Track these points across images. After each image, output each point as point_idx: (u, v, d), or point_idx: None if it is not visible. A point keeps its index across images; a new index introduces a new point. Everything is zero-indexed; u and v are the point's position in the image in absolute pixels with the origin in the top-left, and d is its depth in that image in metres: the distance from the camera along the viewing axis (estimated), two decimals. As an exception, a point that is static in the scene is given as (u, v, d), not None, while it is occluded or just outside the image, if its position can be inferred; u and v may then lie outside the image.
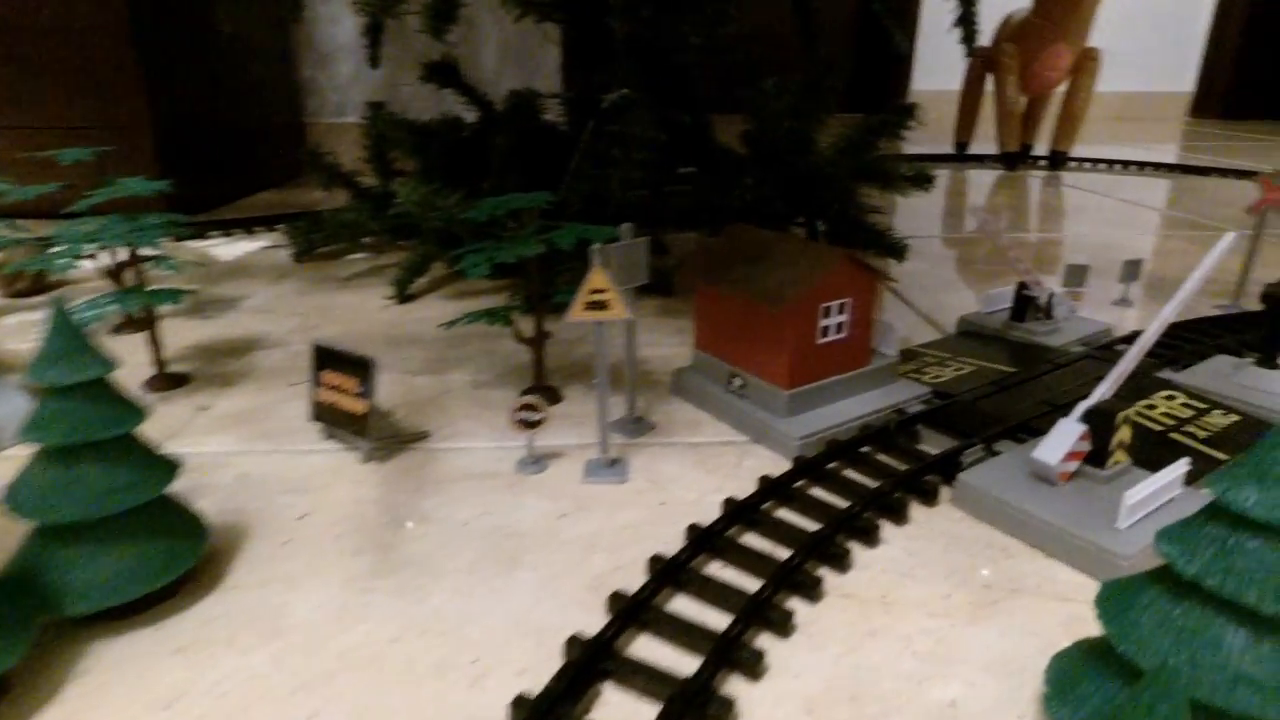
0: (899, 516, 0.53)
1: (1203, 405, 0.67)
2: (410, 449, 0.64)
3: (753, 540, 0.51)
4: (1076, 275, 0.84)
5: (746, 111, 0.99)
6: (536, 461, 0.61)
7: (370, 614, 0.45)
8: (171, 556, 0.44)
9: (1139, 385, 0.70)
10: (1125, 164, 2.14)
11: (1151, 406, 0.66)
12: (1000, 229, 0.71)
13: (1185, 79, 3.67)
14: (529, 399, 0.59)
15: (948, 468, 0.58)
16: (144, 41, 1.40)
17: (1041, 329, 0.82)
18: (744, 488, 0.58)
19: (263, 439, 0.66)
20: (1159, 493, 0.50)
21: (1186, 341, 0.81)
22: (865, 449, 0.61)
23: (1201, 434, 0.62)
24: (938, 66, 3.09)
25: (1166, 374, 0.73)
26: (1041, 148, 2.19)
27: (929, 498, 0.55)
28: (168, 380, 0.76)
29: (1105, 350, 0.79)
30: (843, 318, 0.64)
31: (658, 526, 0.53)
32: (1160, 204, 1.70)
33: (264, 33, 1.90)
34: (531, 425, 0.60)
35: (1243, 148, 2.57)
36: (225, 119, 1.71)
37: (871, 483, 0.57)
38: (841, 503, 0.54)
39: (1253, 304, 0.97)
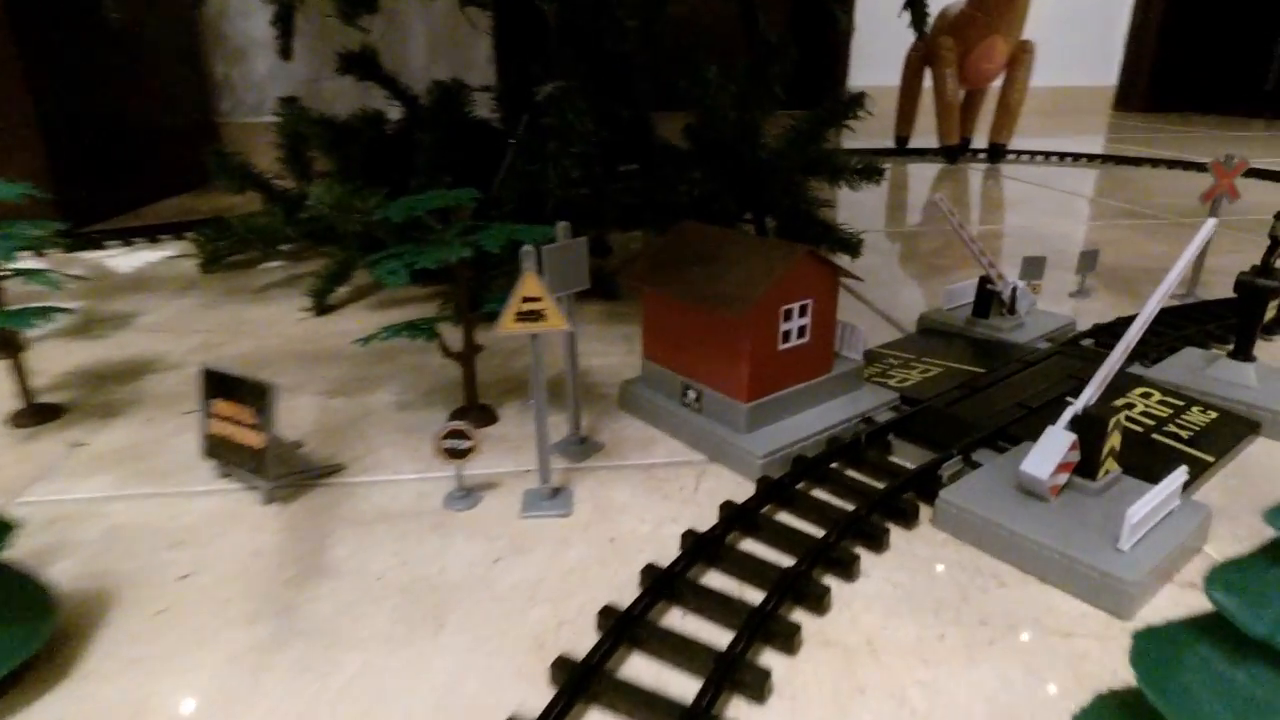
0: (878, 544, 0.48)
1: (1179, 402, 0.63)
2: (321, 485, 0.56)
3: (717, 581, 0.45)
4: (1034, 267, 0.81)
5: (689, 104, 0.93)
6: (467, 495, 0.54)
7: (261, 699, 0.37)
8: (3, 645, 0.36)
9: (1114, 384, 0.66)
10: (1060, 155, 2.17)
11: (1130, 406, 0.62)
12: (959, 218, 0.66)
13: (1109, 73, 3.78)
14: (456, 425, 0.52)
15: (926, 484, 0.52)
16: (22, 30, 1.26)
17: (1006, 325, 0.78)
18: (704, 516, 0.51)
19: (145, 480, 0.56)
20: (1159, 506, 0.45)
21: (1151, 335, 0.78)
22: (834, 465, 0.55)
23: (1184, 433, 0.59)
24: (874, 61, 3.11)
25: (1137, 369, 0.70)
26: (980, 140, 2.19)
27: (908, 520, 0.50)
28: (37, 413, 0.66)
29: (1072, 346, 0.76)
30: (804, 320, 0.58)
31: (608, 568, 0.46)
32: (1097, 194, 1.71)
33: (165, 26, 1.76)
34: (460, 455, 0.52)
35: (1165, 139, 2.64)
36: (125, 118, 1.57)
37: (844, 505, 0.51)
38: (814, 531, 0.48)
39: (1209, 293, 0.96)
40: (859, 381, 0.65)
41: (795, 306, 0.57)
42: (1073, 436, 0.48)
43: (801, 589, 0.42)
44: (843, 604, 0.43)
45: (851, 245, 0.95)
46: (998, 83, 2.12)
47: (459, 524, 0.51)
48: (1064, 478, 0.48)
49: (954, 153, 2.14)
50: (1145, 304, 0.51)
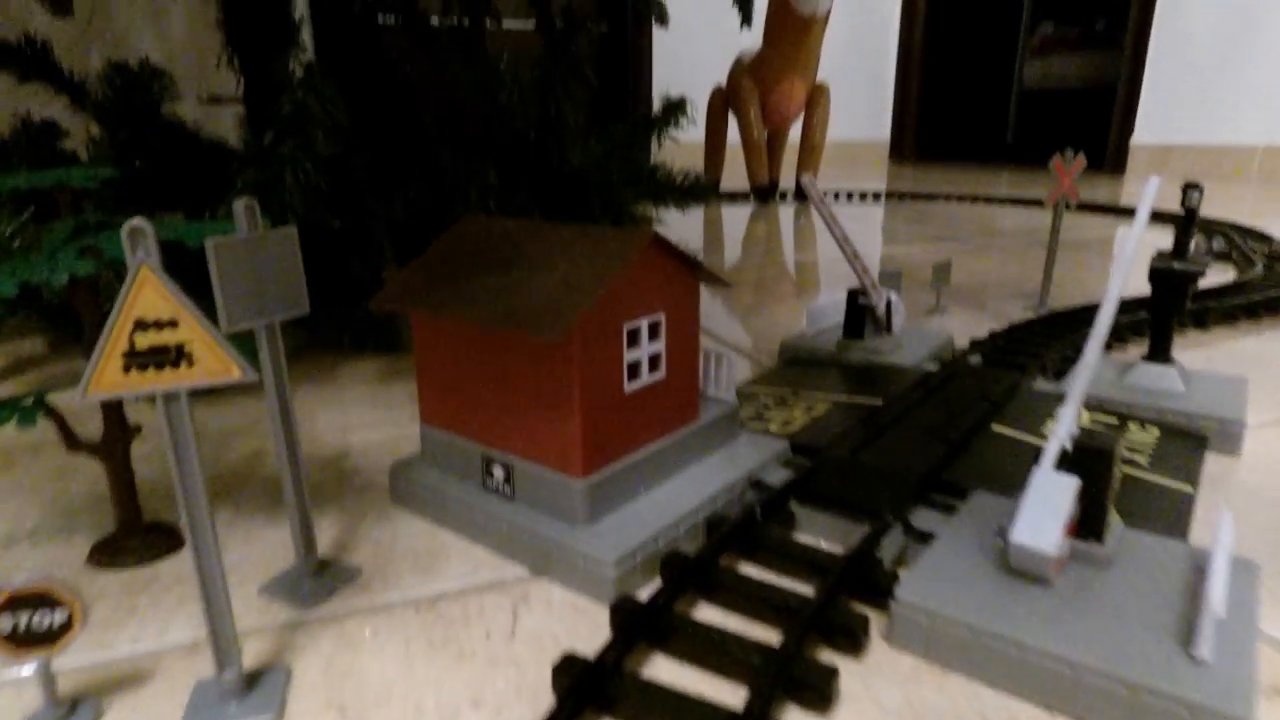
0: (819, 698, 0.28)
1: (1110, 419, 0.51)
2: None
3: (558, 841, 0.23)
4: (892, 281, 0.68)
5: (478, 97, 0.73)
6: (74, 710, 0.28)
7: None
8: None
9: (1031, 405, 0.53)
10: (863, 195, 2.22)
11: (1064, 429, 0.49)
12: (823, 195, 0.51)
13: (883, 128, 4.10)
14: (33, 586, 0.27)
15: (866, 578, 0.34)
16: None
17: (886, 346, 0.64)
18: (529, 688, 0.30)
19: None
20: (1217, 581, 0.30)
21: (1033, 347, 0.68)
22: (725, 562, 0.36)
23: (1139, 458, 0.46)
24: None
25: (1042, 386, 0.58)
26: (787, 181, 2.20)
27: (855, 644, 0.31)
28: None
29: (960, 363, 0.63)
30: (657, 346, 0.39)
31: None
32: (906, 224, 1.72)
33: None
34: (42, 640, 0.27)
35: (936, 180, 2.84)
36: None
37: (753, 629, 0.32)
38: (712, 689, 0.28)
39: (1060, 304, 0.90)
40: (735, 429, 0.46)
41: (643, 325, 0.38)
42: (1074, 482, 0.32)
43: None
44: (795, 846, 0.23)
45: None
46: (797, 125, 2.14)
47: (33, 787, 0.25)
48: (1067, 545, 0.32)
49: (765, 193, 2.12)
50: (1108, 290, 0.37)
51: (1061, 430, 0.34)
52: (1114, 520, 0.34)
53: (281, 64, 0.76)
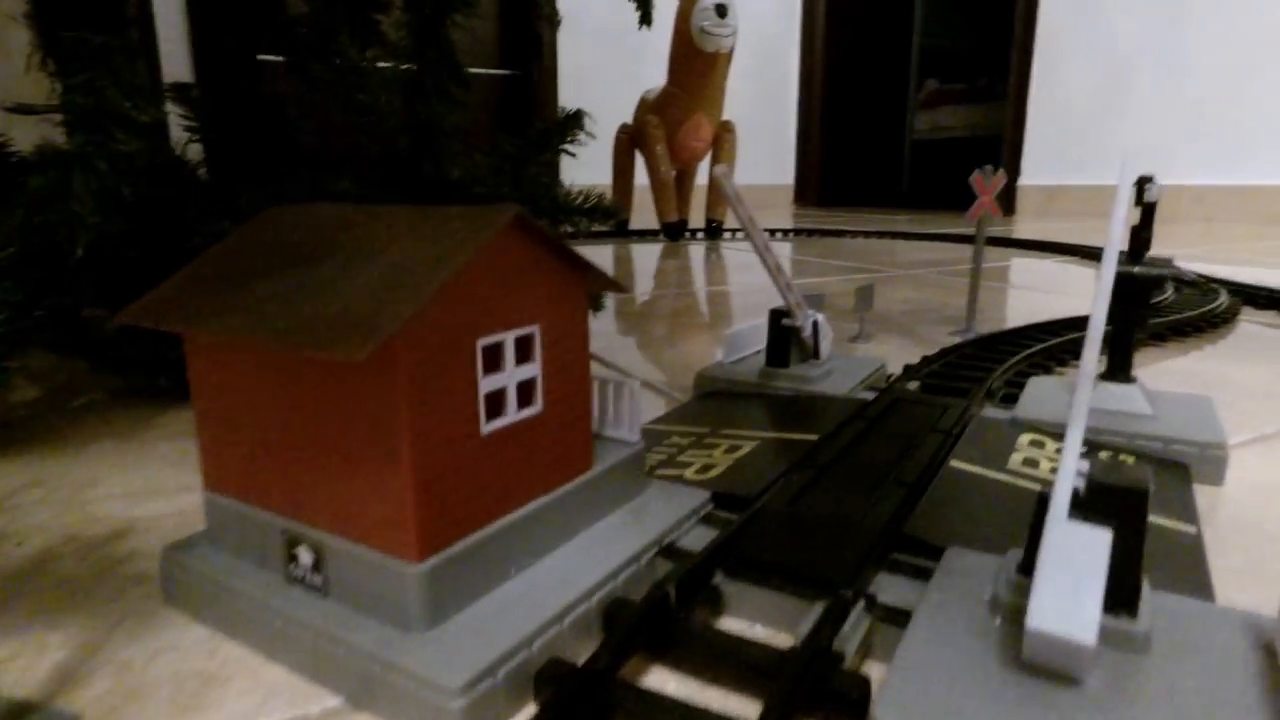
0: None
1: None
2: None
3: None
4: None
5: (332, 93, 0.62)
6: None
7: None
8: None
9: (989, 435, 0.45)
10: (773, 231, 2.20)
11: (1032, 463, 0.41)
12: (737, 190, 0.42)
13: (787, 174, 4.19)
14: None
15: (825, 683, 0.24)
16: None
17: (815, 373, 0.55)
18: None
19: None
20: None
21: (968, 371, 0.61)
22: (627, 672, 0.26)
23: (1124, 495, 0.38)
24: (583, 159, 3.07)
25: (992, 413, 0.51)
26: (696, 220, 2.16)
27: (821, 794, 0.21)
28: None
29: (897, 391, 0.55)
30: (530, 370, 0.29)
31: None
32: (820, 257, 1.69)
33: None
34: None
35: (840, 221, 2.88)
36: None
37: (670, 785, 0.21)
38: None
39: (985, 328, 0.85)
40: (642, 478, 0.36)
41: (508, 340, 0.28)
42: (1106, 537, 0.23)
43: None
44: None
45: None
46: (704, 165, 2.12)
47: None
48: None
49: (675, 230, 2.07)
50: (1099, 285, 0.30)
51: (1069, 464, 0.26)
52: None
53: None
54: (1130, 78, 2.64)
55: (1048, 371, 0.64)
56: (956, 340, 0.81)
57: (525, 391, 0.29)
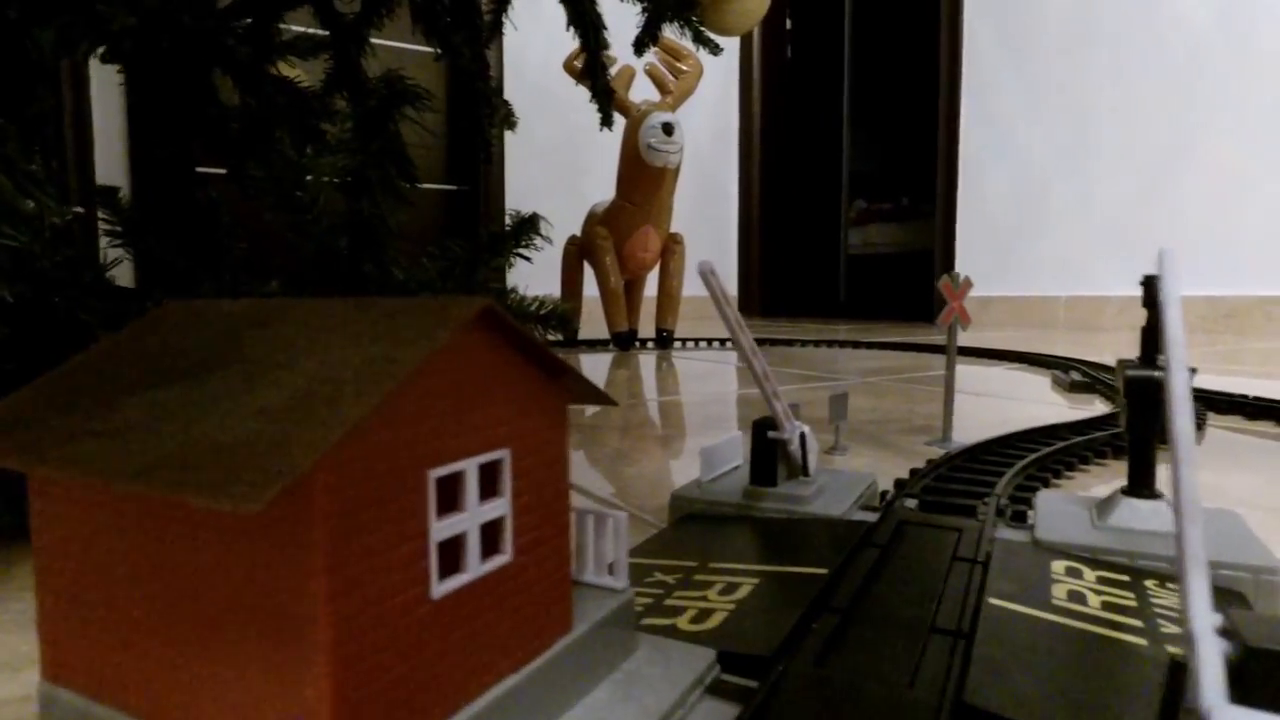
0: None
1: (1122, 576, 0.38)
2: None
3: None
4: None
5: (262, 191, 0.57)
6: None
7: None
8: None
9: (1018, 563, 0.39)
10: (723, 341, 2.19)
11: (1079, 597, 0.35)
12: (721, 283, 0.37)
13: (731, 285, 4.29)
14: None
15: None
16: None
17: (805, 492, 0.49)
18: None
19: None
20: None
21: (967, 490, 0.56)
22: None
23: (1194, 635, 0.32)
24: (531, 271, 3.08)
25: (1011, 534, 0.45)
26: (646, 330, 2.14)
27: None
28: None
29: (897, 511, 0.49)
30: (497, 507, 0.22)
31: None
32: (775, 366, 1.67)
33: None
34: None
35: (783, 330, 2.92)
36: None
37: None
38: None
39: (963, 436, 0.81)
40: (631, 636, 0.29)
41: (469, 469, 0.21)
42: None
43: None
44: None
45: (559, 320, 0.64)
46: (654, 274, 2.12)
47: None
48: None
49: (625, 340, 2.04)
50: (1172, 383, 0.25)
51: (1201, 622, 0.20)
52: (1310, 777, 0.20)
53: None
54: (1048, 195, 2.81)
55: (1045, 484, 0.60)
56: (935, 450, 0.77)
57: (491, 535, 0.22)
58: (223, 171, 0.64)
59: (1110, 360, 1.51)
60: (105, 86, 2.09)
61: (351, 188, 0.54)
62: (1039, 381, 1.35)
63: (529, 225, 0.75)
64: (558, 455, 0.25)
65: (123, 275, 0.57)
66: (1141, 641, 0.31)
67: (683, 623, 0.33)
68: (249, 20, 0.66)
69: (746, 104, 4.16)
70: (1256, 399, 0.97)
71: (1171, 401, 0.25)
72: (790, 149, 4.42)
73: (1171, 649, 0.31)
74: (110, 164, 2.14)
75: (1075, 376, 1.25)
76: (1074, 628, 0.32)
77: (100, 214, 0.60)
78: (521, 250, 0.77)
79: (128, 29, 0.55)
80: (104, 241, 0.60)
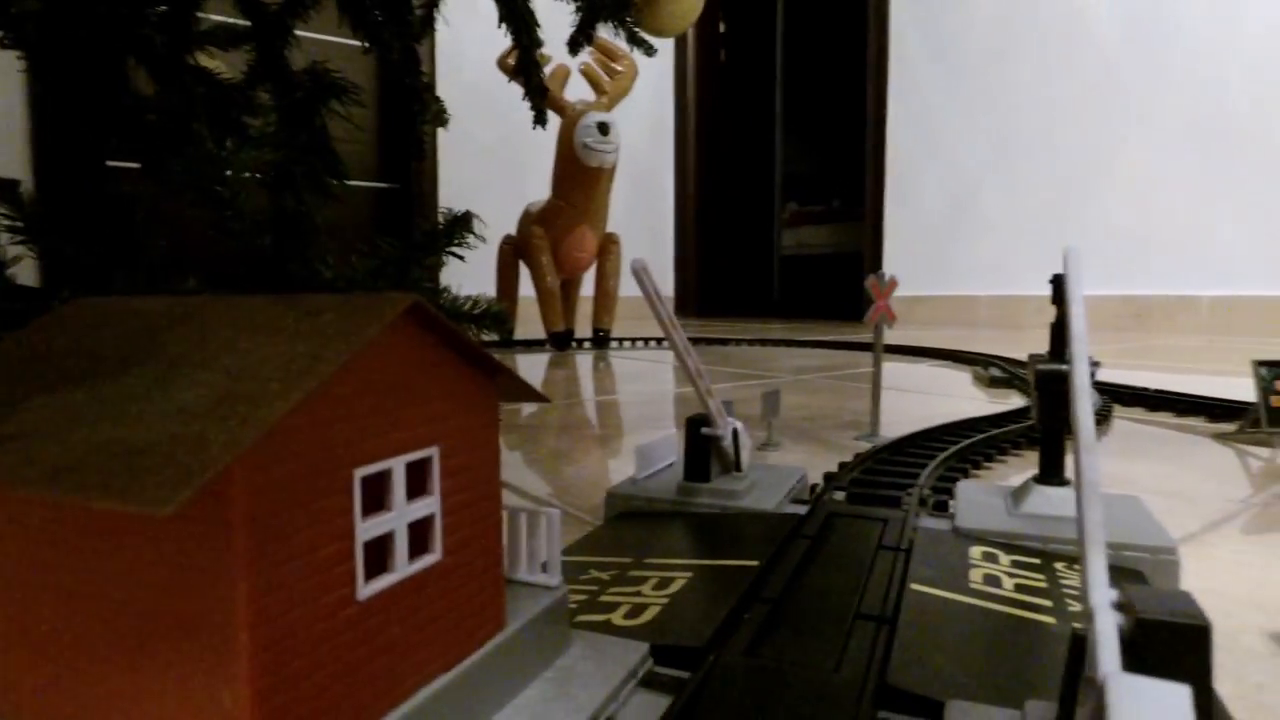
0: None
1: (1033, 559, 0.40)
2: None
3: None
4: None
5: (190, 188, 0.54)
6: None
7: None
8: None
9: (940, 550, 0.41)
10: (659, 340, 2.20)
11: (994, 579, 0.37)
12: (654, 281, 0.37)
13: (667, 285, 4.32)
14: None
15: None
16: None
17: (738, 486, 0.50)
18: None
19: None
20: None
21: (893, 483, 0.58)
22: None
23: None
24: (465, 271, 3.04)
25: (931, 523, 0.47)
26: (583, 330, 2.14)
27: None
28: None
29: (827, 504, 0.51)
30: (426, 506, 0.22)
31: None
32: (709, 364, 1.69)
33: None
34: None
35: (720, 330, 2.97)
36: None
37: None
38: None
39: (891, 430, 0.84)
40: (565, 633, 0.29)
41: (395, 468, 0.21)
42: (1186, 696, 0.19)
43: None
44: None
45: (494, 319, 0.64)
46: (590, 274, 2.12)
47: None
48: (1185, 813, 0.18)
49: (562, 340, 2.03)
50: (1075, 383, 0.27)
51: (1099, 597, 0.21)
52: (1194, 738, 0.21)
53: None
54: (975, 198, 2.93)
55: (966, 475, 0.63)
56: (863, 445, 0.79)
57: (420, 534, 0.22)
58: (137, 166, 0.61)
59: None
60: (5, 74, 1.97)
61: (275, 183, 0.53)
62: (961, 377, 1.40)
63: (462, 223, 0.74)
64: (489, 453, 0.25)
65: (25, 274, 0.54)
66: (1050, 620, 0.33)
67: (617, 618, 0.33)
68: (165, 8, 0.63)
69: (682, 106, 4.19)
70: (1158, 392, 1.03)
71: (1073, 392, 0.26)
72: (725, 151, 4.48)
73: (1077, 625, 0.32)
74: (10, 156, 2.02)
75: (995, 372, 1.30)
76: (990, 609, 0.34)
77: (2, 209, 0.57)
78: (455, 249, 0.76)
79: (30, 12, 0.52)
80: (4, 238, 0.56)
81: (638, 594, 0.36)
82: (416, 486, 0.22)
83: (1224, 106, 2.33)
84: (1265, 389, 0.75)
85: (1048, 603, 0.35)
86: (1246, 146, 2.30)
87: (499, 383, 0.25)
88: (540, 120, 0.71)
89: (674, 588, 0.36)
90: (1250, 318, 2.28)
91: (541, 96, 0.69)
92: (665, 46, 4.07)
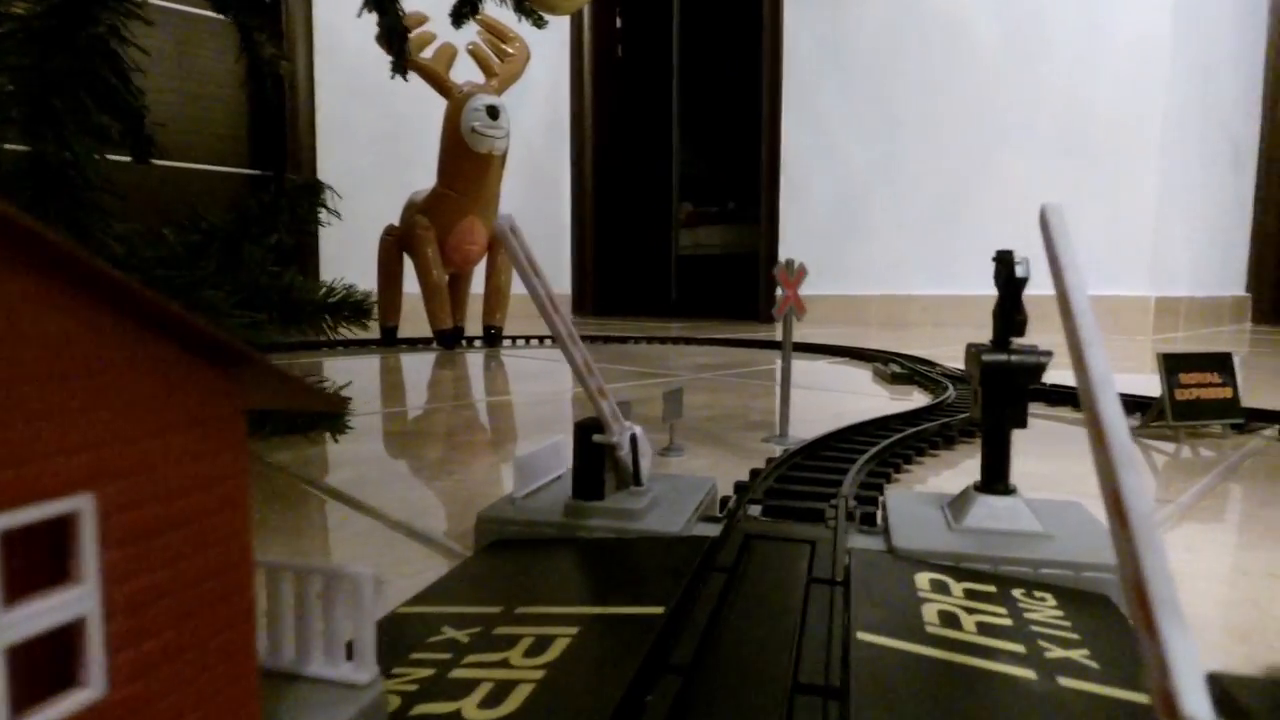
0: None
1: (988, 588, 0.34)
2: None
3: None
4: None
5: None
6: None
7: None
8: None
9: (881, 582, 0.34)
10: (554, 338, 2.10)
11: (952, 620, 0.30)
12: (525, 243, 0.28)
13: (564, 283, 4.21)
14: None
15: None
16: None
17: (637, 504, 0.42)
18: None
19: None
20: None
21: (812, 493, 0.51)
22: None
23: (1077, 655, 0.28)
24: (349, 265, 2.83)
25: (863, 543, 0.40)
26: (474, 328, 2.01)
27: None
28: None
29: (742, 522, 0.43)
30: (63, 605, 0.12)
31: None
32: (610, 363, 1.61)
33: None
34: None
35: (615, 329, 2.90)
36: None
37: None
38: None
39: (799, 431, 0.78)
40: (378, 758, 0.19)
41: (-21, 542, 0.11)
42: None
43: None
44: None
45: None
46: (480, 268, 2.00)
47: None
48: None
49: (449, 338, 1.90)
50: (1089, 371, 0.20)
51: (1195, 706, 0.14)
52: None
53: None
54: (864, 201, 2.98)
55: (889, 480, 0.57)
56: (773, 447, 0.73)
57: (52, 654, 0.12)
58: None
59: (923, 353, 1.59)
60: None
61: (29, 122, 0.40)
62: (861, 374, 1.38)
63: (306, 193, 0.63)
64: (223, 498, 0.15)
65: None
66: (1029, 675, 0.26)
67: (470, 708, 0.24)
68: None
69: (578, 101, 4.10)
70: (1053, 386, 1.02)
71: (1091, 386, 0.19)
72: (622, 150, 4.42)
73: (1065, 681, 0.26)
74: None
75: (895, 368, 1.28)
76: (955, 663, 0.26)
77: None
78: (305, 226, 0.64)
79: None
80: None
81: (504, 663, 0.27)
82: (42, 568, 0.12)
83: (1093, 117, 2.46)
84: (1170, 384, 0.74)
85: (1019, 647, 0.28)
86: (1114, 156, 2.43)
87: (246, 380, 0.15)
88: (399, 69, 0.60)
89: (553, 652, 0.27)
90: (1129, 318, 2.41)
91: (401, 40, 0.58)
92: (561, 40, 3.97)
